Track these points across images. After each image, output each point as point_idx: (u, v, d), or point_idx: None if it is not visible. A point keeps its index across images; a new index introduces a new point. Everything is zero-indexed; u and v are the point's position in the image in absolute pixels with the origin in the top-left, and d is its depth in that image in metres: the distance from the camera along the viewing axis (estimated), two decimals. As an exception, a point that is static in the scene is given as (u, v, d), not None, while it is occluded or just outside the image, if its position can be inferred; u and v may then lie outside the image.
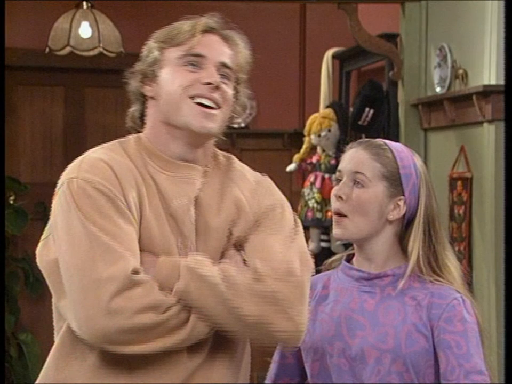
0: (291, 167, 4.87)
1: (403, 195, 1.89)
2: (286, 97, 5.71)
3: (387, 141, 1.94)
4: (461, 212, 3.83)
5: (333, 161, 4.59)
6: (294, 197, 4.95)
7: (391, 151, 1.90)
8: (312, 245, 4.67)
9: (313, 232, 4.70)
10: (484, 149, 3.68)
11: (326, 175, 4.63)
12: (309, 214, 4.65)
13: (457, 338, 1.81)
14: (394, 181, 1.88)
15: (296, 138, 5.34)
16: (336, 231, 1.89)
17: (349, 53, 4.89)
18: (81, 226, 1.68)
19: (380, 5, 4.70)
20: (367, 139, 1.95)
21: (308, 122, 4.80)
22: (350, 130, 4.62)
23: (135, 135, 1.85)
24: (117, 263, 1.65)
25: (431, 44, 4.19)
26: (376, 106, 4.34)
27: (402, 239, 1.91)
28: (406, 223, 1.91)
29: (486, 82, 3.65)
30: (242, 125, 5.57)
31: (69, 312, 1.70)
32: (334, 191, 1.90)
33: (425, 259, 1.88)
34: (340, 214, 1.89)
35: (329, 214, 4.52)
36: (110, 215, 1.69)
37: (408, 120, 4.27)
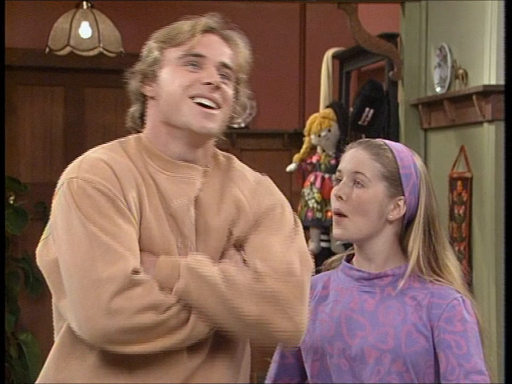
0: (291, 167, 4.86)
1: (403, 195, 1.89)
2: (286, 97, 5.70)
3: (387, 141, 1.94)
4: (461, 211, 3.83)
5: (333, 161, 4.59)
6: (294, 197, 4.94)
7: (391, 151, 1.90)
8: (312, 245, 4.67)
9: (313, 232, 4.70)
10: (484, 149, 3.68)
11: (326, 175, 4.63)
12: (309, 214, 4.65)
13: (457, 338, 1.81)
14: (394, 181, 1.88)
15: (296, 138, 5.34)
16: (336, 231, 1.89)
17: (349, 53, 4.89)
18: (81, 226, 1.68)
19: (379, 5, 4.70)
20: (367, 139, 1.95)
21: (308, 122, 4.80)
22: (350, 130, 4.62)
23: (135, 135, 1.85)
24: (117, 263, 1.65)
25: (431, 44, 4.19)
26: (376, 106, 4.34)
27: (402, 239, 1.91)
28: (406, 223, 1.91)
29: (486, 82, 3.64)
30: (242, 125, 5.56)
31: (69, 312, 1.70)
32: (334, 191, 1.90)
33: (425, 259, 1.88)
34: (339, 214, 1.89)
35: (329, 214, 4.52)
36: (110, 215, 1.69)
37: (408, 120, 4.27)
